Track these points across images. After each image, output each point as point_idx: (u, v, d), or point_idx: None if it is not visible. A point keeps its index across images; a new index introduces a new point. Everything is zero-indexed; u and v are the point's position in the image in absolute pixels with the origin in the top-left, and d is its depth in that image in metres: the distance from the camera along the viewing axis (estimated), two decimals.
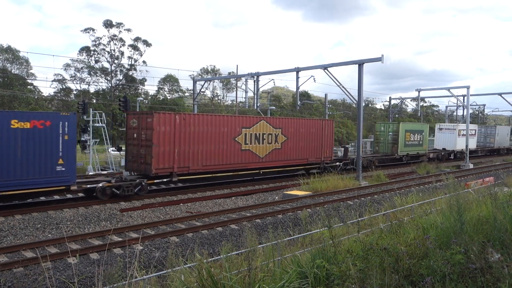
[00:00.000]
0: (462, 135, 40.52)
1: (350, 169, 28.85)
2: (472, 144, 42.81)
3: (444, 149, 41.38)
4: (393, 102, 49.78)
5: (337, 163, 28.22)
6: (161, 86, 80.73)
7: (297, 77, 27.06)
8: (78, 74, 70.42)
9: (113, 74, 71.30)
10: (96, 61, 70.11)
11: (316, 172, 25.27)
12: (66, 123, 15.43)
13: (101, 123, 29.47)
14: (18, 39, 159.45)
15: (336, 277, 4.49)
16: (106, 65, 70.86)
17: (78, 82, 71.15)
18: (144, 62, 72.66)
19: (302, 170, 26.03)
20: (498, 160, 44.02)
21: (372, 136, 69.24)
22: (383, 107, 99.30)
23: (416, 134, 36.67)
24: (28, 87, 64.67)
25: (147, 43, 71.72)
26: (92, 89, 72.04)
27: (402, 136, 34.97)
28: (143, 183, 18.38)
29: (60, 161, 15.33)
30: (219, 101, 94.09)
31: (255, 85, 29.36)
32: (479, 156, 46.85)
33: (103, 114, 30.01)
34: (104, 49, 69.61)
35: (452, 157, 41.32)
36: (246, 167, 22.46)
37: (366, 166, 30.16)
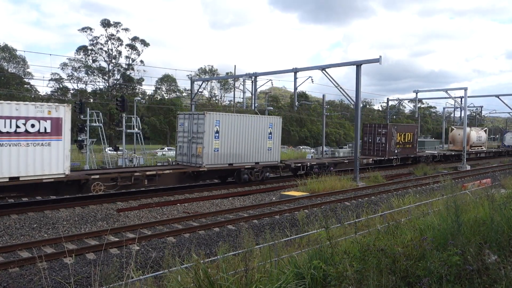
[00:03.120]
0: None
1: (347, 170, 28.61)
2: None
3: None
4: (390, 103, 49.87)
5: None
6: (159, 86, 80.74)
7: (295, 78, 27.06)
8: (75, 74, 70.31)
9: (110, 74, 71.16)
10: (94, 61, 70.03)
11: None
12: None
13: (98, 123, 29.42)
14: (15, 38, 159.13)
15: (333, 278, 4.49)
16: (104, 64, 70.76)
17: (75, 82, 71.04)
18: (141, 61, 72.66)
19: None
20: (495, 162, 44.19)
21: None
22: (380, 108, 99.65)
23: None
24: (25, 86, 64.47)
25: (144, 43, 71.70)
26: (89, 88, 71.98)
27: None
28: None
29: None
30: (216, 101, 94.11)
31: (253, 86, 29.35)
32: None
33: (100, 113, 29.95)
34: (101, 49, 69.53)
35: None
36: None
37: None
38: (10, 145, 14.56)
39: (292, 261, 5.52)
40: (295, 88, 27.62)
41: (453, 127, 49.11)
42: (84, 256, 10.84)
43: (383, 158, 32.97)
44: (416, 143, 36.74)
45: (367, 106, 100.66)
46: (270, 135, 23.80)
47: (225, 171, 22.25)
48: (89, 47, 69.14)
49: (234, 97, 61.59)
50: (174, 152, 50.19)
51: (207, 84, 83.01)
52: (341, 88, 25.85)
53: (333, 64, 25.63)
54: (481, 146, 48.15)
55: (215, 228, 13.80)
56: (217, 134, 21.05)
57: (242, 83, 30.17)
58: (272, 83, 32.18)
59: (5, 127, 14.37)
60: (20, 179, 14.81)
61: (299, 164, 26.42)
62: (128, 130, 30.98)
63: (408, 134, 35.49)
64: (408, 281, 4.36)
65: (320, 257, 5.21)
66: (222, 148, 21.31)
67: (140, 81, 73.21)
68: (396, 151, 33.88)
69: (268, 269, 5.38)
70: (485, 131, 49.23)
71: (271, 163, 23.98)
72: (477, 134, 47.15)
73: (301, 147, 65.27)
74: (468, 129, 43.36)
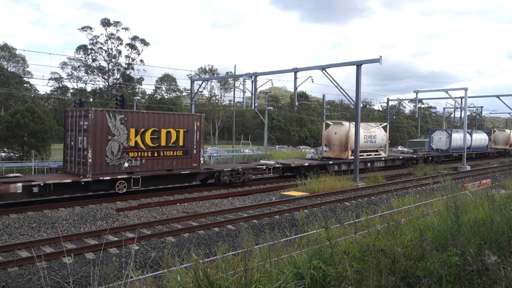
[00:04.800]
0: None
1: (347, 171, 28.23)
2: None
3: None
4: (391, 103, 49.87)
5: None
6: (159, 86, 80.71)
7: (295, 78, 27.05)
8: (75, 73, 70.30)
9: (110, 73, 71.12)
10: (93, 60, 69.97)
11: None
12: None
13: None
14: (15, 37, 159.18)
15: (333, 278, 4.48)
16: (103, 63, 70.70)
17: (75, 81, 71.03)
18: (141, 61, 72.52)
19: None
20: (495, 162, 44.16)
21: None
22: (381, 109, 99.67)
23: None
24: (25, 85, 64.38)
25: (144, 42, 71.58)
26: (89, 88, 71.93)
27: None
28: None
29: None
30: (216, 101, 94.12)
31: (253, 85, 29.33)
32: None
33: None
34: (101, 48, 69.46)
35: None
36: None
37: None
38: None
39: (291, 261, 5.50)
40: (295, 88, 27.61)
41: (329, 121, 33.86)
42: (83, 255, 10.83)
43: (72, 180, 16.64)
44: (199, 147, 20.21)
45: (367, 106, 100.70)
46: None
47: None
48: (89, 46, 69.07)
49: (234, 96, 61.59)
50: None
51: (207, 84, 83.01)
52: (341, 88, 25.85)
53: (333, 64, 25.62)
54: (376, 151, 32.25)
55: (214, 228, 13.79)
56: None
57: (242, 83, 30.14)
58: (272, 83, 32.19)
59: None
60: None
61: None
62: None
63: (172, 132, 19.24)
64: (408, 282, 4.35)
65: (320, 257, 5.20)
66: None
67: (140, 80, 73.13)
68: (127, 165, 17.84)
69: (267, 269, 5.38)
70: (384, 128, 33.73)
71: None
72: (365, 133, 30.63)
73: (301, 147, 65.30)
74: (346, 124, 29.99)
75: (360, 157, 28.28)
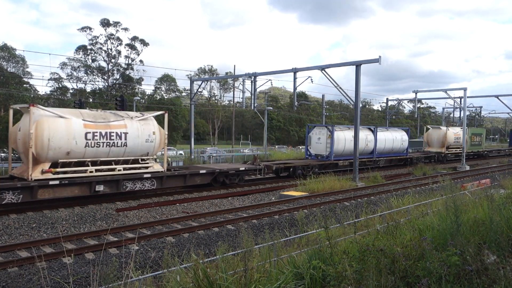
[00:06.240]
0: None
1: (346, 170, 28.05)
2: None
3: None
4: (390, 103, 49.89)
5: None
6: (158, 86, 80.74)
7: (295, 78, 27.06)
8: (74, 73, 70.27)
9: (110, 73, 71.10)
10: (93, 60, 69.94)
11: None
12: None
13: None
14: (14, 38, 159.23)
15: (332, 278, 4.48)
16: (103, 64, 70.68)
17: (75, 81, 71.02)
18: (141, 61, 72.50)
19: None
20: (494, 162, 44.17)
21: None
22: (380, 109, 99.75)
23: None
24: (24, 85, 64.34)
25: (144, 43, 71.55)
26: (88, 88, 71.90)
27: None
28: None
29: None
30: (216, 101, 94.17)
31: (253, 86, 29.34)
32: None
33: None
34: (101, 48, 69.44)
35: None
36: None
37: None
38: None
39: (291, 261, 5.51)
40: (295, 88, 27.62)
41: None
42: (83, 256, 10.83)
43: None
44: None
45: (367, 106, 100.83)
46: None
47: None
48: (89, 47, 69.02)
49: (233, 97, 61.60)
50: (175, 152, 50.16)
51: (206, 84, 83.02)
52: (340, 88, 25.87)
53: (332, 64, 25.64)
54: (136, 162, 18.17)
55: (214, 228, 13.80)
56: None
57: (242, 83, 30.16)
58: (271, 83, 32.24)
59: None
60: None
61: None
62: None
63: None
64: (407, 281, 4.35)
65: (319, 257, 5.21)
66: None
67: (139, 80, 73.11)
68: None
69: (267, 269, 5.39)
70: (159, 118, 20.19)
71: None
72: (88, 128, 16.32)
73: (300, 147, 65.36)
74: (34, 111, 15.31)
75: (70, 176, 16.02)
